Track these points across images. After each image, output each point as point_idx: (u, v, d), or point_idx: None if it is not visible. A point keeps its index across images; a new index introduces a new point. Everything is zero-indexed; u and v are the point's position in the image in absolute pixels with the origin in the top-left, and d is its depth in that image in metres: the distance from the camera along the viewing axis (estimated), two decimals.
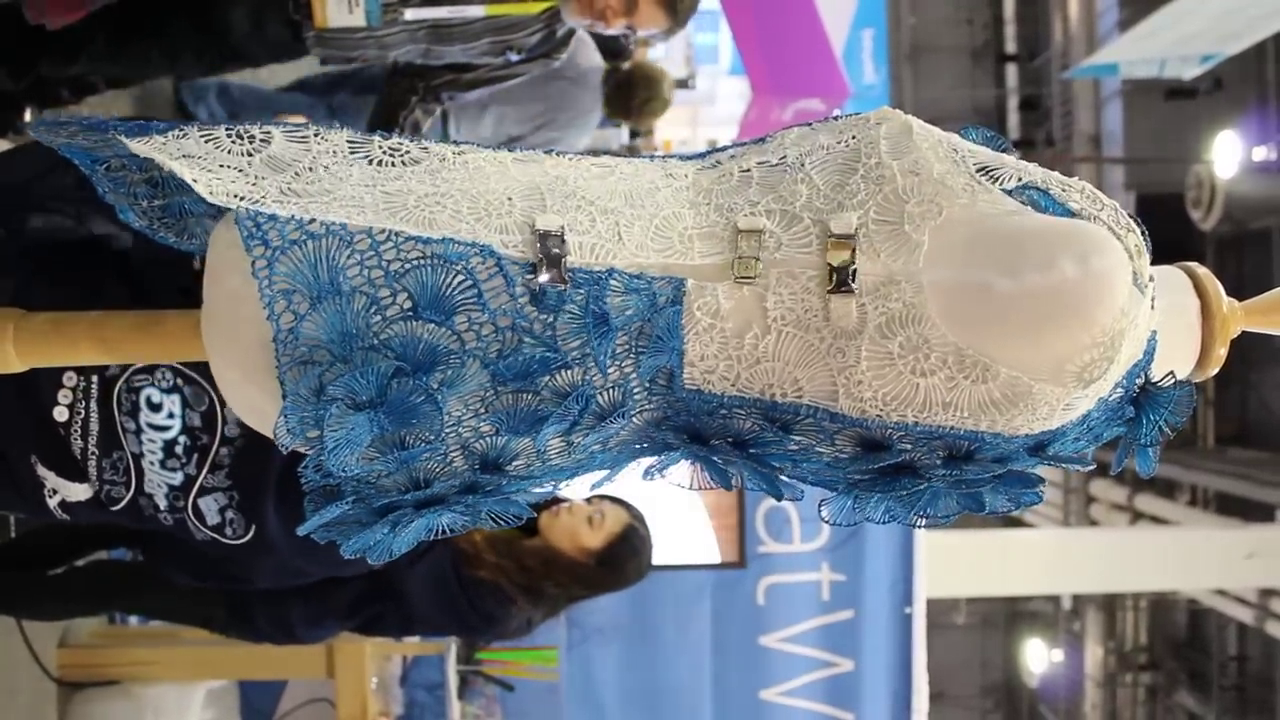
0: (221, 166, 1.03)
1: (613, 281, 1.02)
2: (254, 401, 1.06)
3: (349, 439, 0.98)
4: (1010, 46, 18.27)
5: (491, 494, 1.08)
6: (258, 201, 1.00)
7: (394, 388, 0.98)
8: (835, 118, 1.13)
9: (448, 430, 1.02)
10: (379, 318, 0.98)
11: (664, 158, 1.18)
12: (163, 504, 1.72)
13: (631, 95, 3.68)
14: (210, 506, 1.73)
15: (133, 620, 3.57)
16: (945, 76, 18.15)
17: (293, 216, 0.98)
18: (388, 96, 2.89)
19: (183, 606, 2.71)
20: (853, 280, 1.01)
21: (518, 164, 1.10)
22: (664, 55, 11.77)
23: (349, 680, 3.19)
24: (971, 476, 1.05)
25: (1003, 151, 1.11)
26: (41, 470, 1.68)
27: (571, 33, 2.68)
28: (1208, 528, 10.34)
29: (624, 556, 2.59)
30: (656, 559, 2.72)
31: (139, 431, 1.67)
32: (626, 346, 1.03)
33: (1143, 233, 1.06)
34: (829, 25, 7.74)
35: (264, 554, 1.83)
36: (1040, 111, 17.30)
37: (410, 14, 2.42)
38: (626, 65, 3.66)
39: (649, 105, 3.71)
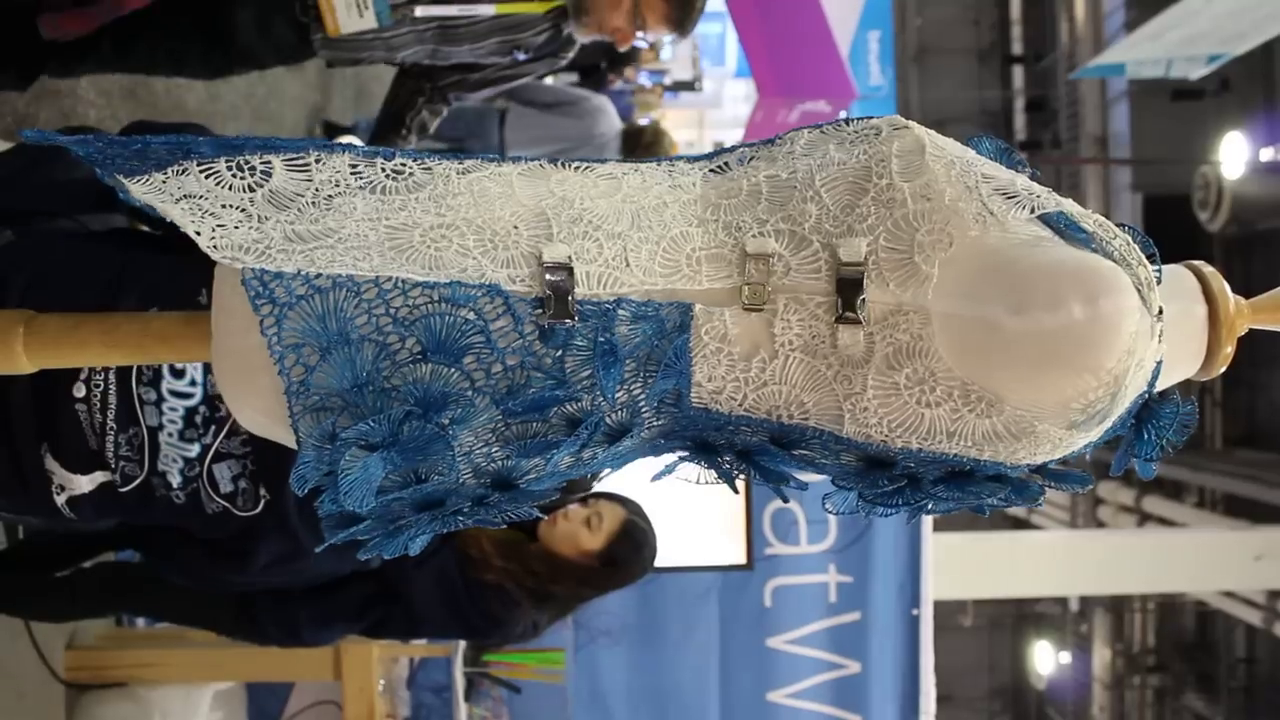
0: (224, 207, 1.01)
1: (620, 311, 1.01)
2: (275, 434, 1.07)
3: (364, 479, 0.99)
4: (1016, 48, 18.28)
5: (501, 504, 1.09)
6: (263, 254, 0.98)
7: (406, 429, 0.99)
8: (845, 121, 1.11)
9: (459, 459, 1.02)
10: (388, 362, 0.99)
11: (670, 161, 1.15)
12: (176, 480, 1.71)
13: (638, 145, 5.05)
14: (224, 474, 1.73)
15: (140, 622, 3.58)
16: (951, 78, 18.15)
17: (299, 272, 0.98)
18: (394, 98, 2.89)
19: (189, 608, 2.71)
20: (861, 310, 1.00)
21: (523, 180, 1.08)
22: (670, 57, 11.78)
23: (356, 682, 3.19)
24: (972, 491, 1.05)
25: (1015, 165, 1.09)
26: (50, 464, 1.68)
27: None
28: (1216, 529, 10.32)
29: (627, 553, 2.58)
30: (663, 560, 2.71)
31: (159, 401, 1.67)
32: (634, 371, 1.04)
33: (1153, 258, 1.05)
34: (835, 27, 7.73)
35: (273, 529, 1.82)
36: (1047, 112, 17.30)
37: (420, 11, 2.41)
38: (641, 122, 5.24)
39: (654, 149, 5.08)
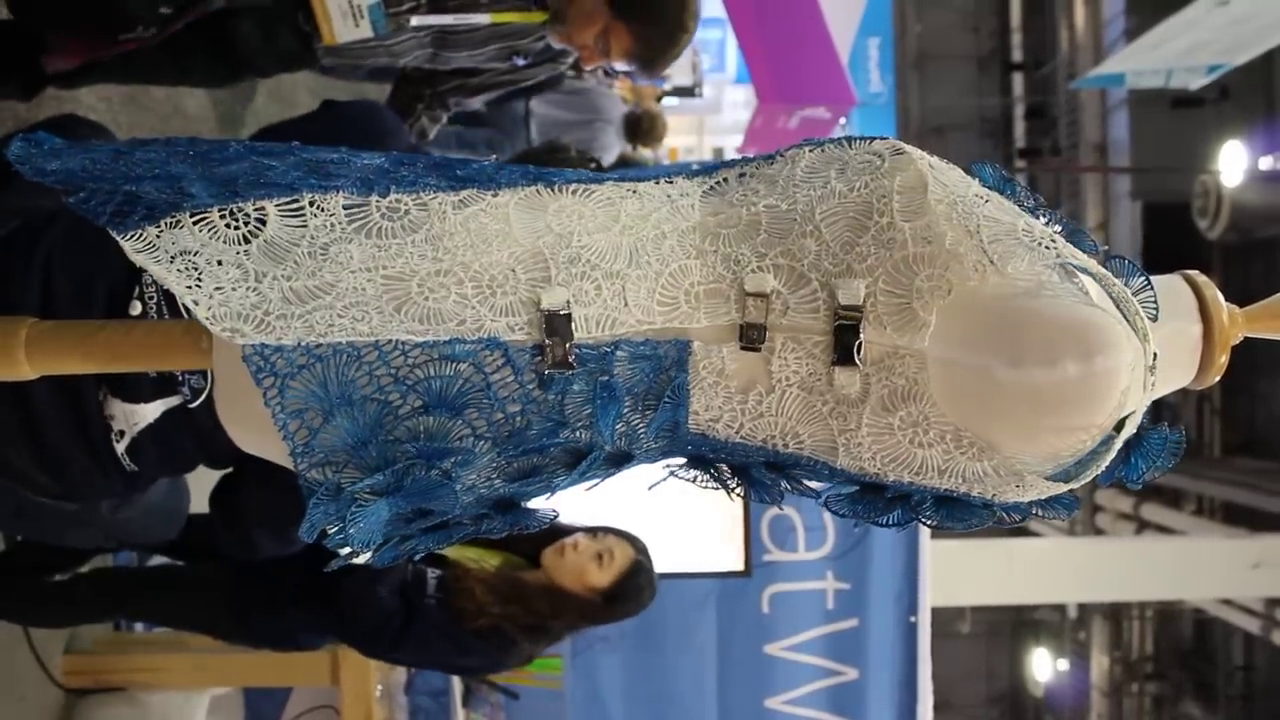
0: (219, 263, 0.99)
1: (619, 353, 1.02)
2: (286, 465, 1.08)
3: (371, 525, 1.01)
4: (1016, 55, 18.29)
5: (504, 522, 1.10)
6: (261, 323, 0.98)
7: (410, 477, 1.00)
8: (847, 141, 1.10)
9: (463, 493, 1.04)
10: (391, 417, 1.00)
11: (668, 177, 1.14)
12: None
13: (638, 127, 5.89)
14: None
15: (138, 627, 3.58)
16: (951, 85, 18.16)
17: (299, 343, 0.98)
18: (394, 105, 2.90)
19: (185, 612, 2.72)
20: (858, 353, 1.01)
21: (520, 213, 1.06)
22: (670, 67, 11.79)
23: (354, 687, 3.19)
24: (961, 517, 1.06)
25: (1018, 196, 1.08)
26: (110, 405, 1.67)
27: None
28: (1214, 537, 10.31)
29: (630, 593, 2.59)
30: (661, 567, 2.72)
31: None
32: (632, 406, 1.04)
33: (1145, 287, 1.06)
34: (835, 33, 7.73)
35: None
36: (1046, 120, 17.31)
37: (415, 21, 2.42)
38: (639, 109, 6.11)
39: (652, 133, 5.99)
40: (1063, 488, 1.02)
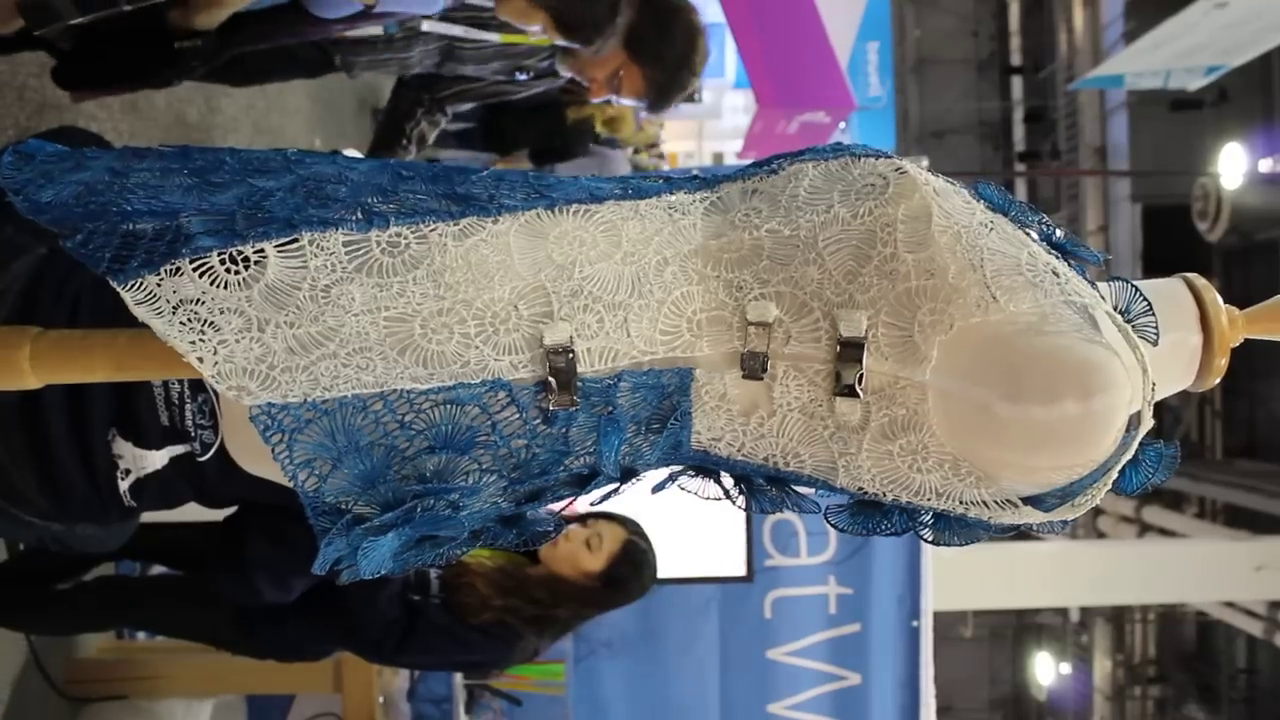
0: (223, 312, 0.98)
1: (622, 384, 1.03)
2: None
3: (381, 555, 1.02)
4: (1015, 58, 18.32)
5: (508, 534, 1.11)
6: (267, 378, 0.97)
7: (419, 511, 1.01)
8: (852, 157, 1.08)
9: (468, 519, 1.05)
10: (399, 459, 1.01)
11: (670, 189, 1.12)
12: None
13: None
14: None
15: (140, 634, 3.58)
16: (950, 89, 18.18)
17: (305, 399, 0.98)
18: (394, 109, 2.94)
19: (188, 622, 2.71)
20: (859, 384, 1.01)
21: (521, 241, 1.04)
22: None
23: (356, 695, 3.19)
24: (959, 531, 1.07)
25: (1021, 216, 1.08)
26: (119, 446, 1.67)
27: None
28: (1216, 540, 10.33)
29: (627, 573, 2.60)
30: (663, 572, 2.72)
31: None
32: (635, 431, 1.05)
33: (1146, 312, 1.07)
34: (834, 38, 7.74)
35: None
36: (1045, 123, 17.32)
37: (427, 26, 2.48)
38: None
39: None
40: (1056, 517, 1.02)
